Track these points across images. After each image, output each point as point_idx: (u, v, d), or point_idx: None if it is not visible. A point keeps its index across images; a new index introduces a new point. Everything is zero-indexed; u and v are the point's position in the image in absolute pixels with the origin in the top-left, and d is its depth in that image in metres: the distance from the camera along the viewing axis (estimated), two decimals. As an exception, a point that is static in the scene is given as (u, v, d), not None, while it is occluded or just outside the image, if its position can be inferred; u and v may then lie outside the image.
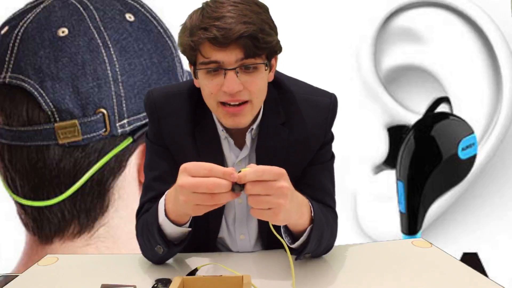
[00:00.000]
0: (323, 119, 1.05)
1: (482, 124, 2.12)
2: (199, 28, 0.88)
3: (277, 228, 0.93)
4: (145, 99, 1.07)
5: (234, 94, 0.91)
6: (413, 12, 2.11)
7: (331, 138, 1.10)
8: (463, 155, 2.11)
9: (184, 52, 0.95)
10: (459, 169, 2.12)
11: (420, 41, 2.11)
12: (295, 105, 1.04)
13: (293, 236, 0.94)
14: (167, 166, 1.04)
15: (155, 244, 0.96)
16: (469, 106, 2.11)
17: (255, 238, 1.12)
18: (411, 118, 2.12)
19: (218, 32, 0.86)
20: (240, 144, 1.05)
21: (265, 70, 0.93)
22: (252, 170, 0.79)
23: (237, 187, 0.79)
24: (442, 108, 2.13)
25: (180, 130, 1.03)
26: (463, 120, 2.10)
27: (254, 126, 1.02)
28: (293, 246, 0.94)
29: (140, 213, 1.06)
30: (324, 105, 1.06)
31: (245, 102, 0.94)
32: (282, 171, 0.81)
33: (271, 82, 1.02)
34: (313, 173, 1.05)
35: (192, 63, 0.95)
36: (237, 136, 1.03)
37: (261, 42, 0.88)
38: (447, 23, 2.10)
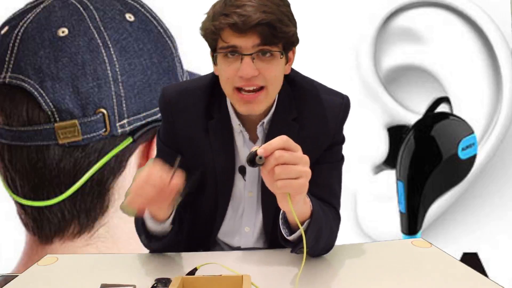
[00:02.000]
0: (334, 118, 1.07)
1: (482, 124, 2.11)
2: (221, 14, 0.92)
3: (277, 223, 0.96)
4: (160, 96, 1.10)
5: (249, 79, 0.94)
6: (413, 12, 2.11)
7: (342, 139, 1.12)
8: (463, 155, 2.10)
9: (205, 37, 0.98)
10: (459, 169, 2.12)
11: (420, 41, 2.11)
12: (308, 102, 1.07)
13: (291, 229, 0.95)
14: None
15: (140, 233, 1.03)
16: (469, 106, 2.11)
17: (258, 232, 1.13)
18: (411, 118, 2.12)
19: (238, 18, 0.90)
20: (253, 139, 1.07)
21: (281, 58, 0.96)
22: (277, 139, 0.82)
23: (259, 160, 0.81)
24: (442, 108, 2.13)
25: (194, 125, 1.06)
26: (463, 120, 2.10)
27: (266, 120, 1.04)
28: (290, 238, 0.95)
29: None
30: (336, 105, 1.08)
31: (260, 89, 0.96)
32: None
33: (286, 79, 1.04)
34: (322, 171, 1.06)
35: (212, 48, 0.99)
36: (251, 130, 1.06)
37: (278, 31, 0.92)
38: (447, 23, 2.10)
